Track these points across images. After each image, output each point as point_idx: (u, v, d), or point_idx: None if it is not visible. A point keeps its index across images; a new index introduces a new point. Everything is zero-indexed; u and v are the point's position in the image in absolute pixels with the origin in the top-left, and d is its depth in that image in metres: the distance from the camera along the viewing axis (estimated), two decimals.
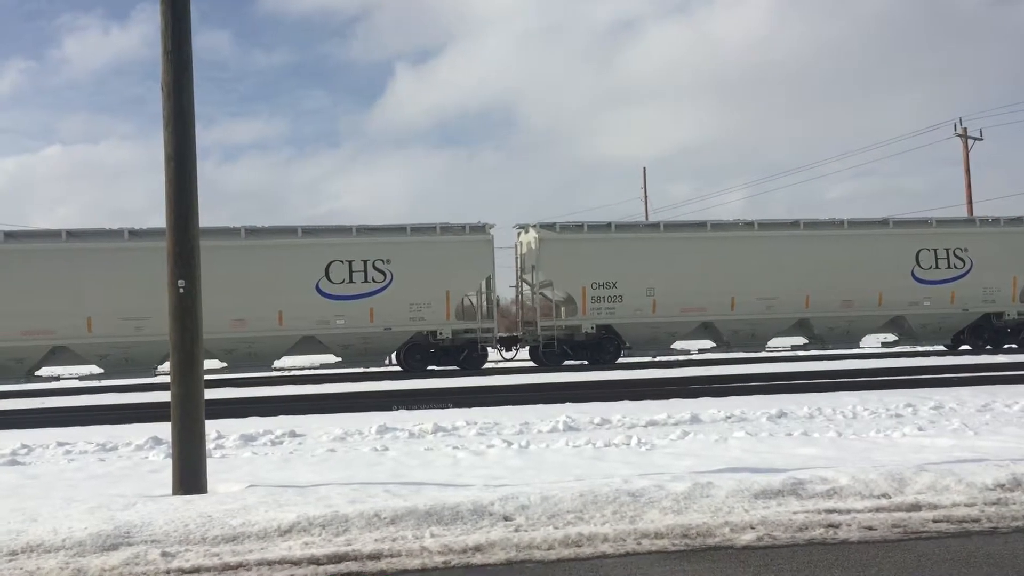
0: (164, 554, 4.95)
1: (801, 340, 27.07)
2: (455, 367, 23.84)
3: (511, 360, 25.83)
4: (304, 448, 9.30)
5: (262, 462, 8.43)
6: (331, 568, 4.77)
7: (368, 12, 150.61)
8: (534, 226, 24.89)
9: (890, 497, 5.96)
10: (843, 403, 11.50)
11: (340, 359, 23.84)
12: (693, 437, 9.23)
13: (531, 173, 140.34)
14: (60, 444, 9.80)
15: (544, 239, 24.33)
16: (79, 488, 7.19)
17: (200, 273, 6.86)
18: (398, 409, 12.76)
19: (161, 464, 8.29)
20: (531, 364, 25.37)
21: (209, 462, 6.99)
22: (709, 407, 11.46)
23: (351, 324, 23.18)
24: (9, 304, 21.24)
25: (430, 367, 23.89)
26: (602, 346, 24.62)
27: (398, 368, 24.12)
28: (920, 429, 9.37)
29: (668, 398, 13.19)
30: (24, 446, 9.67)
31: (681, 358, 25.27)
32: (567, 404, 12.58)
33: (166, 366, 23.15)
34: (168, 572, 4.74)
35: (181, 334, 6.72)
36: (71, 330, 21.69)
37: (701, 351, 26.43)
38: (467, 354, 23.88)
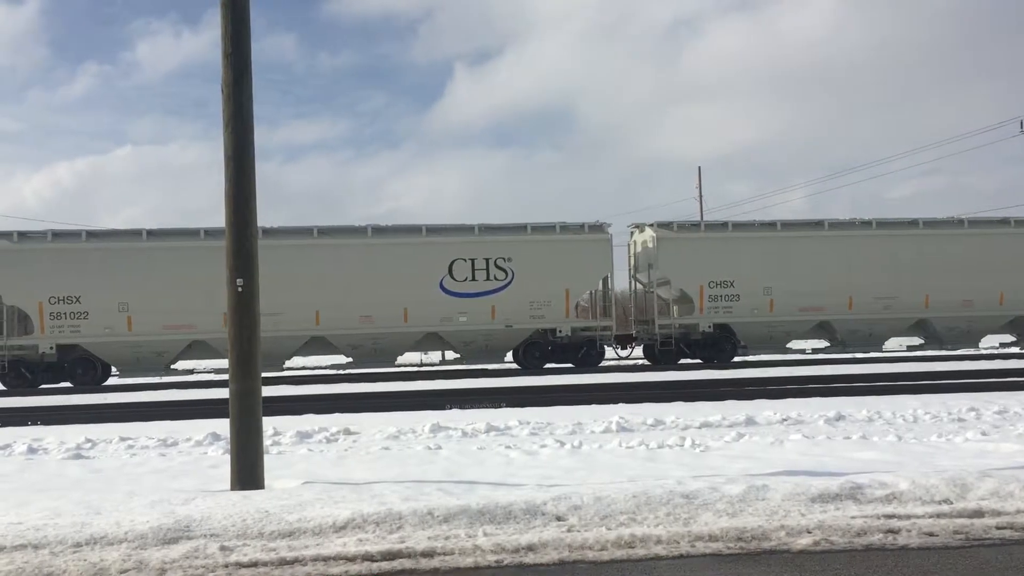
0: (223, 548, 5.04)
1: (917, 340, 26.82)
2: (571, 365, 24.09)
3: (627, 358, 26.05)
4: (359, 446, 9.40)
5: (318, 459, 8.53)
6: (385, 565, 4.82)
7: (430, 14, 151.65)
8: (651, 225, 25.19)
9: (952, 503, 5.83)
10: (903, 407, 11.27)
11: (459, 356, 24.28)
12: (748, 439, 9.13)
13: (590, 172, 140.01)
14: (123, 439, 10.04)
15: (662, 238, 24.53)
16: (141, 482, 7.36)
17: (258, 271, 6.94)
18: (451, 408, 12.82)
19: (220, 460, 8.45)
20: (645, 362, 25.61)
21: (266, 458, 7.11)
22: (764, 409, 11.32)
23: (473, 321, 23.58)
24: (152, 300, 21.96)
25: (548, 365, 24.18)
26: (719, 345, 24.68)
27: (456, 366, 24.32)
28: (983, 434, 9.15)
29: (723, 399, 13.07)
30: (88, 440, 9.93)
31: (793, 358, 25.14)
32: (620, 405, 12.53)
33: (295, 360, 24.06)
34: (226, 566, 4.83)
35: (239, 332, 6.83)
36: (209, 325, 22.18)
37: (815, 351, 26.31)
38: (585, 352, 24.09)
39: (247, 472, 6.71)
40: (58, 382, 22.30)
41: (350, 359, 23.84)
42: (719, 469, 7.27)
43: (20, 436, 10.46)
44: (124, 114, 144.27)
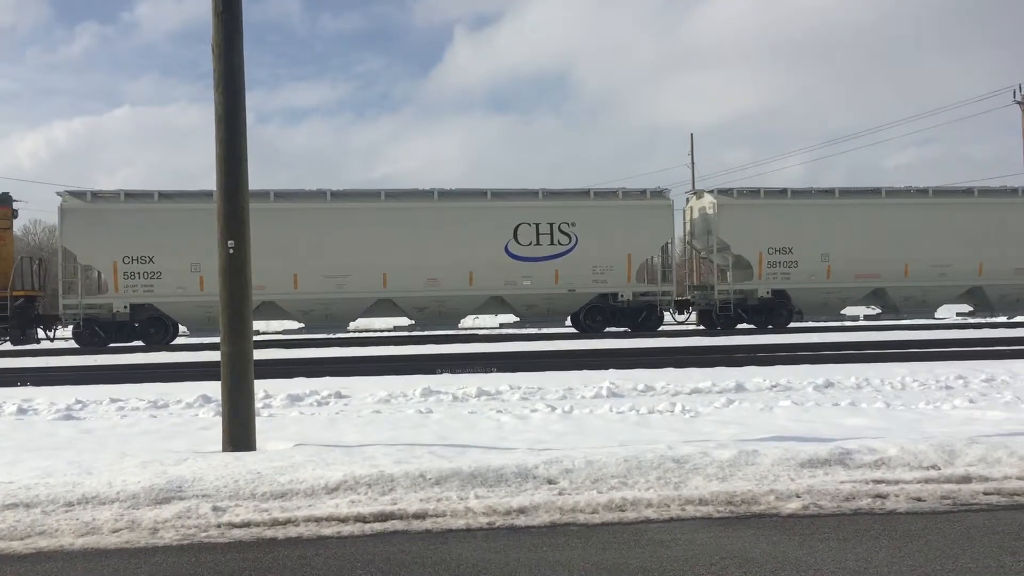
0: (215, 508, 5.05)
1: (967, 308, 27.24)
2: (628, 329, 24.35)
3: (683, 323, 26.44)
4: (350, 409, 9.41)
5: (309, 422, 8.54)
6: (377, 526, 4.84)
7: None
8: (710, 192, 25.68)
9: (939, 468, 5.88)
10: (892, 374, 11.34)
11: (518, 319, 24.54)
12: (738, 405, 9.17)
13: (588, 138, 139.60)
14: (113, 400, 10.02)
15: (723, 205, 24.93)
16: (132, 443, 7.35)
17: (249, 233, 6.90)
18: (442, 372, 12.84)
19: (211, 422, 8.45)
20: (700, 328, 26.12)
21: (257, 421, 7.11)
22: (754, 376, 11.37)
23: (537, 285, 23.88)
24: None
25: (608, 329, 24.44)
26: (776, 310, 25.03)
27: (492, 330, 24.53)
28: (971, 401, 9.22)
29: (713, 366, 13.12)
30: (79, 401, 9.91)
31: (848, 324, 25.62)
32: (611, 370, 12.57)
33: (359, 322, 24.40)
34: (219, 526, 4.84)
35: (231, 294, 6.79)
36: (280, 286, 22.48)
37: (867, 317, 26.69)
38: (645, 316, 24.39)
39: (239, 434, 6.71)
40: (130, 341, 22.61)
41: (413, 321, 24.14)
42: (709, 434, 7.30)
43: (10, 396, 10.44)
44: (122, 74, 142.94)
